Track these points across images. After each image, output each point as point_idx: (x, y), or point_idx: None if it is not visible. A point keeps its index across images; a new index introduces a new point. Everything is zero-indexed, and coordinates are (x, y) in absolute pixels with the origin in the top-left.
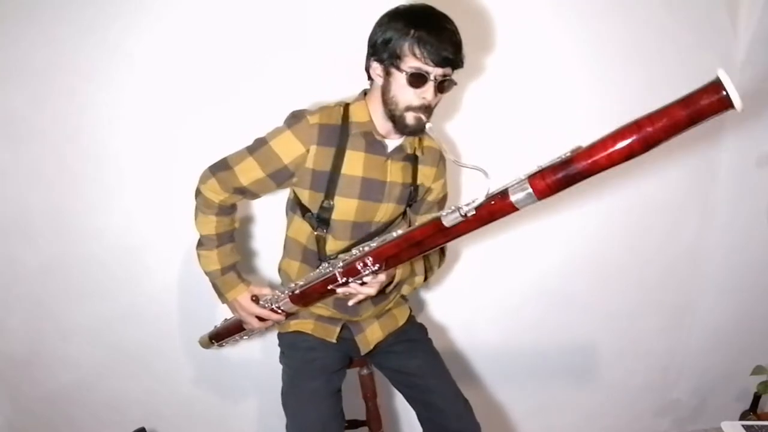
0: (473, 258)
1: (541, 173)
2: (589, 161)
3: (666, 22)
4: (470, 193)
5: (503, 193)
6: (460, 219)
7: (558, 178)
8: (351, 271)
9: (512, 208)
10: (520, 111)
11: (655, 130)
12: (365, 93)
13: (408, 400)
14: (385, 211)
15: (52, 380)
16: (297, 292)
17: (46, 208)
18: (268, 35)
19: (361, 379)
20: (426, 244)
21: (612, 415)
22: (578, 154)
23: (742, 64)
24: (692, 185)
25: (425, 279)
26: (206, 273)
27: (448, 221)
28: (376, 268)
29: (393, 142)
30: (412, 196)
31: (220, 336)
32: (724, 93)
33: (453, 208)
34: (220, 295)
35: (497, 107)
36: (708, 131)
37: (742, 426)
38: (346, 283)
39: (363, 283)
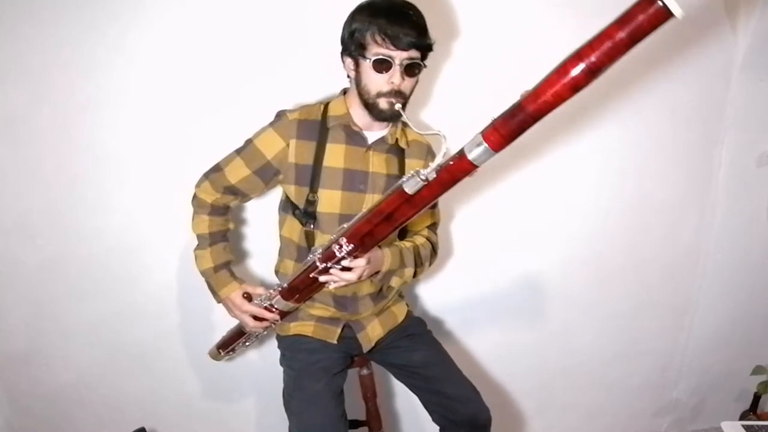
0: (473, 258)
1: (494, 125)
2: (538, 102)
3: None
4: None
5: (460, 153)
6: (422, 183)
7: (511, 127)
8: (329, 256)
9: (471, 166)
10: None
11: (598, 57)
12: (345, 91)
13: (416, 392)
14: (371, 202)
15: (52, 379)
16: (285, 286)
17: (46, 208)
18: (270, 35)
19: (361, 379)
20: (396, 217)
21: (612, 415)
22: (526, 99)
23: (742, 64)
24: (692, 184)
25: (415, 274)
26: (201, 272)
27: (409, 187)
28: (350, 248)
29: (374, 134)
30: None
31: (226, 344)
32: (660, 3)
33: (412, 173)
34: (214, 293)
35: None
36: (708, 131)
37: (742, 426)
38: (326, 270)
39: (345, 270)
